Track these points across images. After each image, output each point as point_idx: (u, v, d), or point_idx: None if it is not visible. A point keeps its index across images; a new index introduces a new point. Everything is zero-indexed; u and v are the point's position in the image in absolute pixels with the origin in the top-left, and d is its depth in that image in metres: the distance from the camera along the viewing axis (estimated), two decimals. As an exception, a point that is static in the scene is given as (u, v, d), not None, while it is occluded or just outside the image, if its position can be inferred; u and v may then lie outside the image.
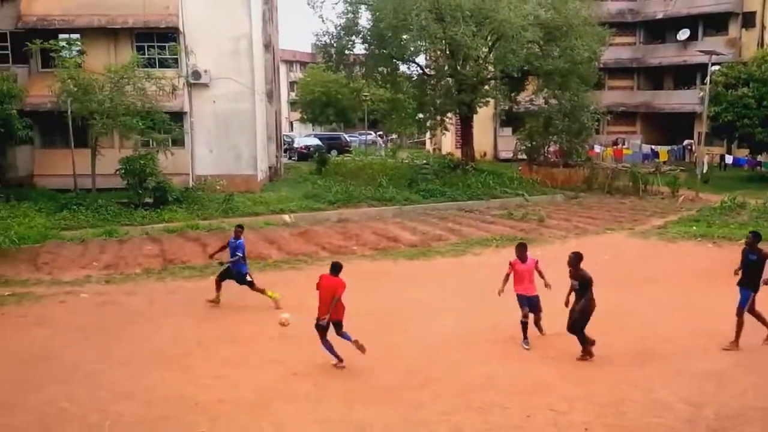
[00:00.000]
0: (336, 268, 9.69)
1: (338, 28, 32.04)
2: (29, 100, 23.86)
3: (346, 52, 33.32)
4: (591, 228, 21.56)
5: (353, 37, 32.34)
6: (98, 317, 12.34)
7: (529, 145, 34.13)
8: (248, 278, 12.93)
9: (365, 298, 12.12)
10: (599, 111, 34.15)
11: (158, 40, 26.14)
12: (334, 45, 32.57)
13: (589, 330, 9.76)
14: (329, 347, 9.64)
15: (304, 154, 44.66)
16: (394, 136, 61.18)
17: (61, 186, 23.82)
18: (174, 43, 25.68)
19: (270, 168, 32.37)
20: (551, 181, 31.24)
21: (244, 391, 8.96)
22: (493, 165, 37.33)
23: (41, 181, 25.24)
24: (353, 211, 24.28)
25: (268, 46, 32.09)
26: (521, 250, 10.87)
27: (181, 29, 26.03)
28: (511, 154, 38.17)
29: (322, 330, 9.57)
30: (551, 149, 35.01)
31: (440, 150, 47.04)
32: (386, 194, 26.29)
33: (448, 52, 30.69)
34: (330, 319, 9.39)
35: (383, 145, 46.28)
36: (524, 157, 35.16)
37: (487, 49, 30.68)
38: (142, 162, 22.31)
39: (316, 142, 47.49)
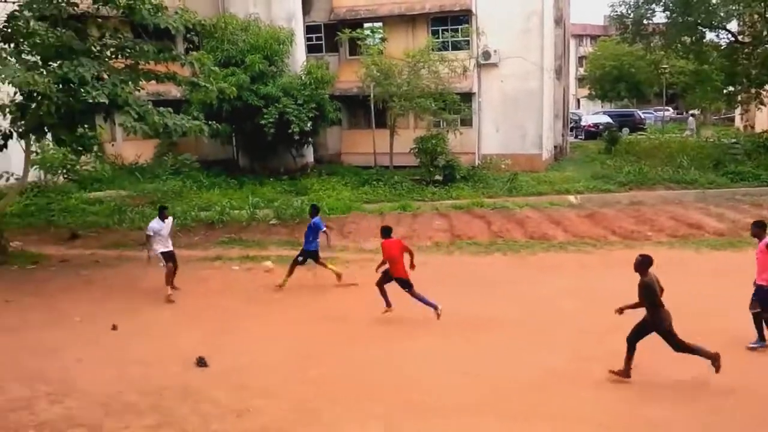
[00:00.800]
0: (387, 231, 11.34)
1: (637, -3, 29.86)
2: (338, 85, 26.66)
3: (645, 21, 30.88)
4: None
5: (653, 5, 29.82)
6: (392, 285, 13.34)
7: None
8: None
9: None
10: None
11: (452, 23, 27.17)
12: (631, 14, 30.41)
13: None
14: (420, 298, 10.80)
15: (592, 133, 42.80)
16: (696, 112, 55.44)
17: (363, 163, 26.33)
18: (466, 25, 26.48)
19: (555, 147, 31.69)
20: None
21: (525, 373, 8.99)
22: (823, 144, 31.59)
23: (347, 158, 28.16)
24: (647, 193, 22.63)
25: (558, 21, 31.24)
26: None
27: (473, 11, 26.66)
28: None
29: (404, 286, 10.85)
30: None
31: (753, 128, 41.23)
32: (687, 176, 24.00)
33: (767, 15, 26.66)
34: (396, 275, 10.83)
35: (694, 129, 41.67)
36: None
37: (821, 8, 25.99)
38: (433, 141, 23.56)
39: (606, 119, 45.13)
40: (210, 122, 15.88)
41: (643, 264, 8.18)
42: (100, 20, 15.47)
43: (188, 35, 16.24)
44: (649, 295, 8.07)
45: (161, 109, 14.26)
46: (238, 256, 15.57)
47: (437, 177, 24.04)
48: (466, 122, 26.78)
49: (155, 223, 12.62)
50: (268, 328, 10.96)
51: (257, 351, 9.86)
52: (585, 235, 17.02)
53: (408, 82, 23.59)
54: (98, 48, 14.30)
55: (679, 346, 8.19)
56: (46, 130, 14.09)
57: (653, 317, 8.18)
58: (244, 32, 23.83)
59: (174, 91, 23.00)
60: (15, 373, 8.96)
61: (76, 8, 13.97)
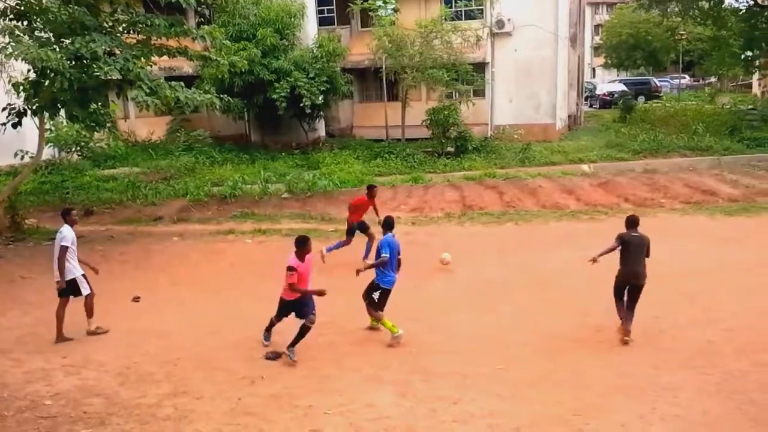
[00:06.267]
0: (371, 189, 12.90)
1: (654, -39, 29.28)
2: (350, 58, 26.48)
3: (662, -13, 30.35)
4: None
5: (670, -30, 29.30)
6: (405, 254, 13.39)
7: None
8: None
9: (669, 256, 11.21)
10: None
11: (465, -8, 26.81)
12: (648, -20, 29.88)
13: None
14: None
15: (607, 101, 42.33)
16: (712, 78, 54.51)
17: (375, 136, 26.26)
18: (480, -6, 26.09)
19: (569, 116, 31.40)
20: None
21: (534, 336, 9.04)
22: (843, 109, 30.99)
23: (359, 131, 28.10)
24: (662, 161, 22.40)
25: (573, -13, 30.73)
26: None
27: (487, -22, 26.25)
28: None
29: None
30: None
31: (772, 93, 40.56)
32: (702, 143, 23.74)
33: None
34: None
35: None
36: None
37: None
38: (445, 113, 23.39)
39: (621, 87, 44.50)
40: (222, 96, 15.90)
41: (627, 221, 9.06)
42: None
43: (199, 9, 16.16)
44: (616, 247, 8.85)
45: (173, 83, 14.29)
46: (250, 230, 15.69)
47: (449, 148, 23.93)
48: (479, 93, 26.55)
49: (69, 231, 9.34)
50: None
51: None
52: (598, 204, 16.94)
53: (420, 53, 23.34)
54: (110, 23, 14.28)
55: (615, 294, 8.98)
56: (60, 107, 14.16)
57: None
58: (256, 6, 23.67)
59: (186, 67, 22.95)
60: (32, 347, 9.15)
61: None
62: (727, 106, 32.99)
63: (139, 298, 11.28)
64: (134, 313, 10.64)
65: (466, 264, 12.60)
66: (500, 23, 26.31)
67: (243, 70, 17.60)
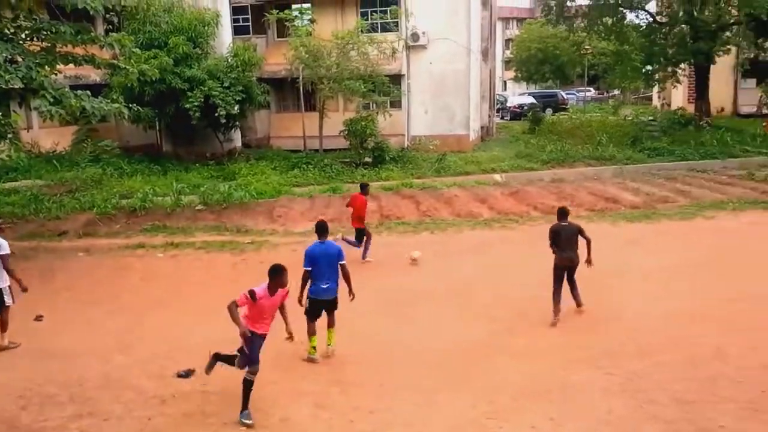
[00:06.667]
0: (364, 187, 13.58)
1: (560, -22, 30.61)
2: (266, 67, 26.21)
3: (568, 3, 31.79)
4: None
5: (576, -12, 30.74)
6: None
7: (778, 97, 29.97)
8: None
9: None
10: None
11: (380, 5, 27.11)
12: (555, -4, 31.21)
13: None
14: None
15: (518, 113, 43.78)
16: (615, 91, 57.30)
17: (293, 146, 26.10)
18: (395, 7, 26.44)
19: (482, 128, 32.27)
20: (804, 139, 27.18)
21: (449, 343, 9.21)
22: (731, 121, 33.30)
23: (276, 142, 27.84)
24: (568, 171, 23.36)
25: (485, 3, 31.73)
26: None
27: (402, -8, 26.67)
28: (755, 109, 33.90)
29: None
30: (806, 102, 30.37)
31: (669, 105, 43.04)
32: (606, 153, 24.90)
33: (683, -4, 27.85)
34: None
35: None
36: (772, 111, 31.00)
37: (730, -10, 27.29)
38: (363, 123, 23.51)
39: (530, 100, 46.25)
40: (131, 106, 15.40)
41: (558, 213, 10.21)
42: (13, 1, 14.70)
43: (108, 16, 15.68)
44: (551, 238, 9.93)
45: (79, 92, 13.73)
46: (162, 244, 15.21)
47: (367, 159, 24.06)
48: (396, 104, 26.87)
49: (3, 240, 9.45)
50: (190, 315, 10.78)
51: (179, 337, 9.70)
52: (509, 212, 17.46)
53: (337, 64, 23.39)
54: (12, 30, 13.62)
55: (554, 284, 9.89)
56: (-43, 117, 13.37)
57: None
58: (168, 13, 23.08)
59: (94, 75, 22.14)
60: None
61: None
62: (629, 118, 34.81)
63: (41, 316, 10.71)
64: (37, 332, 10.10)
65: (382, 273, 12.68)
66: (415, 36, 26.78)
67: (154, 78, 17.14)
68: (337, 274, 8.51)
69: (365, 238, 13.57)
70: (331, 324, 8.78)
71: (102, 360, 8.88)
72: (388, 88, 24.62)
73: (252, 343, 7.08)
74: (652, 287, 11.25)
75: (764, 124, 29.79)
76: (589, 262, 9.90)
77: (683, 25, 28.74)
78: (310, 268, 8.48)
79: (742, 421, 6.72)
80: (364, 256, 13.46)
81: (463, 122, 27.69)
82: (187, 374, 8.33)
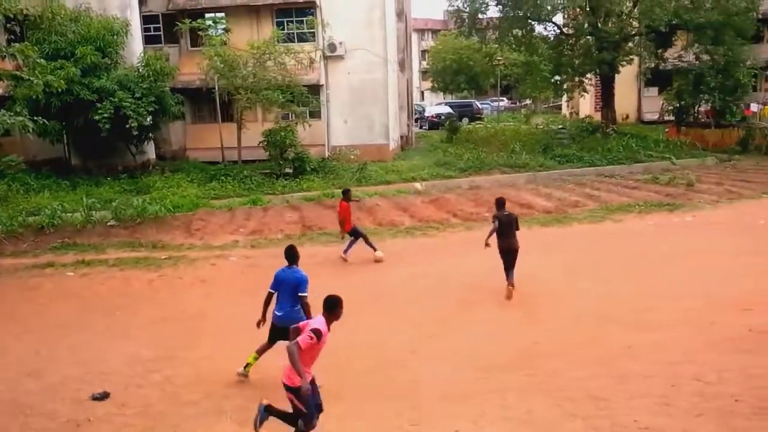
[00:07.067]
0: (345, 193, 14.10)
1: (471, -8, 31.50)
2: (180, 77, 25.58)
3: (480, 15, 32.77)
4: (746, 192, 19.97)
5: (487, 0, 31.66)
6: (247, 278, 13.19)
7: (677, 105, 31.84)
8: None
9: (491, 266, 12.07)
10: (756, 66, 31.23)
11: (297, 15, 27.05)
12: (467, 9, 32.09)
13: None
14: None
15: (435, 123, 44.57)
16: (527, 101, 59.30)
17: (210, 158, 25.56)
18: (311, 17, 26.42)
19: (402, 137, 32.66)
20: (701, 143, 29.17)
21: (371, 350, 9.25)
22: (636, 128, 35.25)
23: (192, 153, 27.19)
24: (485, 178, 24.01)
25: (400, 14, 32.16)
26: None
27: (317, 3, 26.68)
28: (657, 116, 36.02)
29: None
30: (702, 109, 32.44)
31: (578, 114, 45.17)
32: (519, 161, 25.75)
33: (588, 9, 29.27)
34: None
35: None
36: (671, 118, 32.98)
37: (631, 3, 28.88)
38: (282, 134, 23.33)
39: (447, 110, 47.21)
40: (36, 118, 14.68)
41: (496, 203, 11.38)
42: None
43: (9, 26, 14.93)
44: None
45: (-24, 105, 12.99)
46: (72, 262, 14.56)
47: (287, 170, 23.89)
48: (315, 114, 26.80)
49: None
50: (104, 336, 10.36)
51: (94, 359, 9.30)
52: (430, 219, 17.77)
53: (254, 74, 23.14)
54: None
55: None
56: None
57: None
58: (74, 23, 22.17)
59: (-6, 87, 21.00)
60: None
61: None
62: (541, 127, 36.23)
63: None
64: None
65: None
66: (332, 47, 26.85)
67: (60, 89, 16.38)
68: (292, 304, 8.11)
69: (357, 237, 14.28)
70: None
71: (10, 386, 8.40)
72: (307, 98, 24.55)
73: (312, 391, 6.36)
74: (564, 289, 11.69)
75: (666, 130, 31.68)
76: (487, 245, 10.91)
77: (588, 37, 30.17)
78: (273, 291, 8.22)
79: (656, 416, 7.05)
80: (346, 251, 14.25)
81: (383, 132, 27.96)
82: (103, 397, 8.00)
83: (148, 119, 21.97)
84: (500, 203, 11.31)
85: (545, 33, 33.66)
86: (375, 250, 14.16)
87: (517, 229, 11.17)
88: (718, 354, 8.51)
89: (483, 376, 8.29)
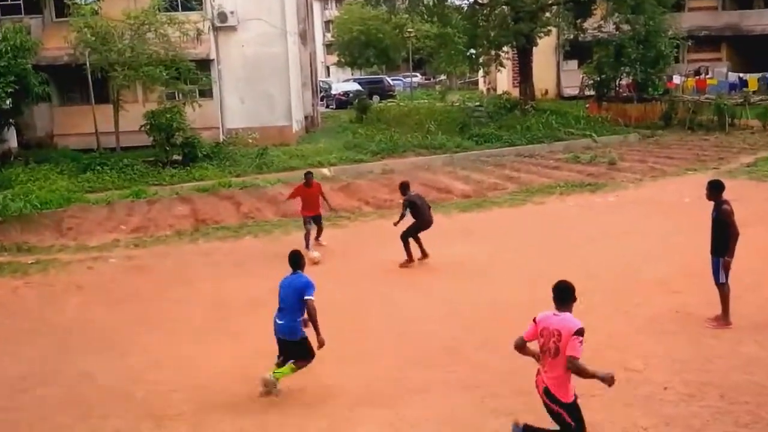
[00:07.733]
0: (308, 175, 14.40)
1: (377, -44, 31.61)
2: (44, 53, 24.36)
3: (387, -18, 32.92)
4: (670, 169, 21.10)
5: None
6: (129, 283, 12.72)
7: (598, 79, 33.14)
8: None
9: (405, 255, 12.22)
10: (678, 36, 32.88)
11: (180, -19, 26.24)
12: (373, -25, 32.18)
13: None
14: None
15: (343, 101, 44.62)
16: (442, 77, 60.24)
17: (84, 146, 24.49)
18: (197, -17, 25.75)
19: (306, 118, 32.46)
20: (623, 119, 30.61)
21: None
22: (556, 104, 36.57)
23: (62, 140, 25.96)
24: (399, 161, 24.25)
25: (298, -20, 31.85)
26: None
27: (203, -34, 26.02)
28: (577, 91, 37.39)
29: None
30: (623, 82, 33.99)
31: (495, 90, 46.29)
32: (435, 141, 26.17)
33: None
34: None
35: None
36: (592, 93, 34.37)
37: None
38: (168, 116, 22.66)
39: (356, 87, 47.31)
40: None
41: (400, 186, 12.86)
42: None
43: None
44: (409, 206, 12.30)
45: None
46: None
47: (176, 157, 23.27)
48: (206, 93, 26.20)
49: None
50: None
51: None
52: (340, 208, 17.66)
53: (132, 48, 22.43)
54: None
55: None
56: None
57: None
58: None
59: None
60: None
61: None
62: (457, 104, 36.93)
63: None
64: None
65: (202, 285, 12.29)
66: (222, 16, 26.26)
67: None
68: (295, 313, 7.94)
69: (317, 231, 14.42)
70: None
71: None
72: (195, 75, 24.01)
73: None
74: (487, 277, 11.96)
75: (586, 105, 32.99)
76: (396, 224, 12.37)
77: (504, 6, 30.98)
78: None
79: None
80: (317, 238, 14.40)
81: (285, 112, 27.67)
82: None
83: (8, 102, 20.91)
84: (405, 186, 12.75)
85: (459, 2, 34.27)
86: (309, 249, 13.56)
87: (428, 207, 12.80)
88: (645, 336, 8.95)
89: (399, 376, 8.34)
